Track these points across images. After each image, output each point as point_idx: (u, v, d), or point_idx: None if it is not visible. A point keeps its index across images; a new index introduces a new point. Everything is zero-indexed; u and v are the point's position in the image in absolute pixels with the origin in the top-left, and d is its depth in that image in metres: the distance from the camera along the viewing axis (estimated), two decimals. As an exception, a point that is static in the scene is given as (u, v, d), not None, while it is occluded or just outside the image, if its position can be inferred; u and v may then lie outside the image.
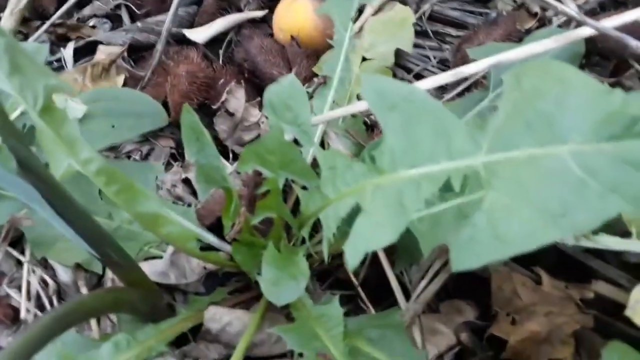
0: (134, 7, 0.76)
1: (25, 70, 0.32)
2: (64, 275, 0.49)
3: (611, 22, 0.37)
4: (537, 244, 0.24)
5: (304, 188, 0.45)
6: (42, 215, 0.32)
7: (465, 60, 0.61)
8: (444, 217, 0.39)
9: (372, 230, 0.31)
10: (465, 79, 0.61)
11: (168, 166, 0.63)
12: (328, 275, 0.52)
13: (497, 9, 0.70)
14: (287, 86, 0.42)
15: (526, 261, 0.44)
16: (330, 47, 0.68)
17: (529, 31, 0.64)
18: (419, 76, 0.69)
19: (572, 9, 0.37)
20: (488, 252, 0.25)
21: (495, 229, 0.25)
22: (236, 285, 0.52)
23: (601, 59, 0.48)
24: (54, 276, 0.49)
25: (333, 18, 0.56)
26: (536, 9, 0.66)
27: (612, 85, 0.46)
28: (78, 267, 0.50)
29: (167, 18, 0.66)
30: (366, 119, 0.57)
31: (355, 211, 0.37)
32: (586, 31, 0.38)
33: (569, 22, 0.59)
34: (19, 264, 0.52)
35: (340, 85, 0.55)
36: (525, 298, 0.41)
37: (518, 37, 0.61)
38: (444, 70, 0.69)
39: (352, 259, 0.31)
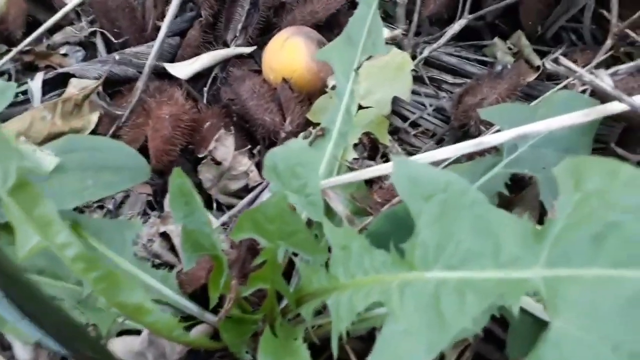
0: (110, 36, 0.70)
1: (-7, 146, 0.26)
2: (23, 353, 0.42)
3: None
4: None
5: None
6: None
7: (467, 113, 0.59)
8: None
9: (403, 342, 0.26)
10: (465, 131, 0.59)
11: (144, 216, 0.57)
12: (322, 349, 0.47)
13: (497, 58, 0.68)
14: (296, 151, 0.38)
15: None
16: (323, 90, 0.64)
17: (530, 86, 0.62)
18: (415, 125, 0.66)
19: (607, 84, 0.35)
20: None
21: (565, 367, 0.21)
22: (220, 362, 0.46)
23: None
24: (11, 357, 0.42)
25: (333, 65, 0.53)
26: (537, 62, 0.64)
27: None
28: (39, 345, 0.44)
29: (151, 53, 0.61)
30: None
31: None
32: (619, 107, 0.35)
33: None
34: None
35: (341, 138, 0.50)
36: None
37: (522, 92, 0.59)
38: (440, 120, 0.66)
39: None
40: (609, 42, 0.54)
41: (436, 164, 0.42)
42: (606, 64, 0.59)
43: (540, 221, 0.47)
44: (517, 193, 0.47)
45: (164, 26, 0.61)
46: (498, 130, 0.46)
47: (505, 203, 0.45)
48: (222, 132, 0.55)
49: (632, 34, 0.52)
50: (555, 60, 0.36)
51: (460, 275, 0.26)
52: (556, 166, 0.27)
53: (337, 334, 0.33)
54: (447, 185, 0.27)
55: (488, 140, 0.38)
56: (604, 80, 0.35)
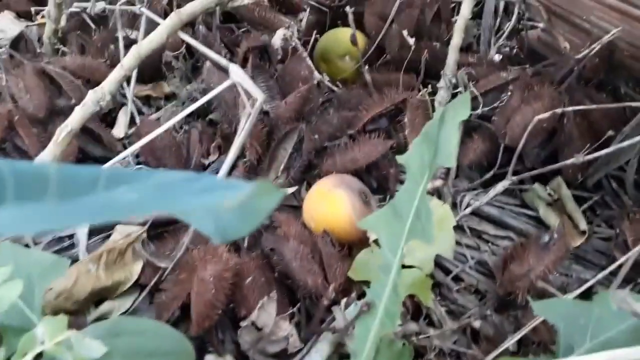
0: (155, 172, 0.71)
1: None
2: None
3: None
4: None
5: None
6: None
7: (513, 283, 0.58)
8: None
9: None
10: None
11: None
12: None
13: (540, 212, 0.68)
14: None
15: None
16: (364, 241, 0.64)
17: (577, 250, 0.61)
18: (457, 279, 0.65)
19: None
20: None
21: None
22: None
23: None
24: None
25: (378, 236, 0.53)
26: (583, 225, 0.63)
27: None
28: None
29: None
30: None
31: None
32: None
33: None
34: None
35: (387, 318, 0.50)
36: None
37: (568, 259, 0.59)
38: (483, 274, 0.65)
39: None
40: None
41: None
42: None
43: None
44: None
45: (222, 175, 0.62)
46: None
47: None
48: (265, 300, 0.54)
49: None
50: (621, 296, 0.35)
51: None
52: None
53: None
54: None
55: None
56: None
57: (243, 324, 0.54)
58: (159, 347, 0.44)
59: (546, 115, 0.61)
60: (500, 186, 0.63)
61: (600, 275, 0.54)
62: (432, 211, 0.48)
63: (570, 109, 0.64)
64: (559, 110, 0.62)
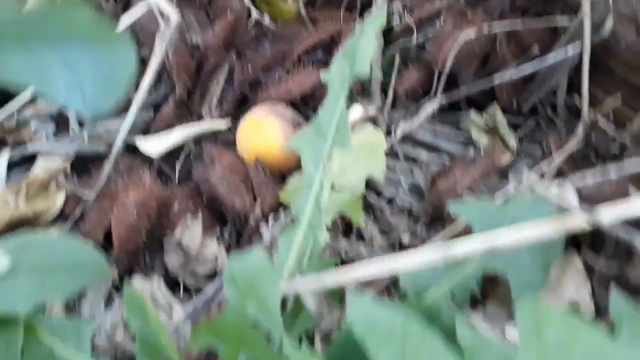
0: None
1: None
2: None
3: (614, 214, 0.34)
4: None
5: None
6: None
7: (440, 198, 0.58)
8: None
9: None
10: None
11: (109, 300, 0.55)
12: None
13: (472, 136, 0.68)
14: (253, 263, 0.37)
15: None
16: (299, 167, 0.63)
17: (505, 168, 0.61)
18: (391, 201, 0.65)
19: (572, 200, 0.34)
20: None
21: None
22: None
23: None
24: None
25: (302, 155, 0.52)
26: (513, 142, 0.64)
27: (617, 279, 0.43)
28: None
29: (122, 131, 0.60)
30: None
31: None
32: (584, 220, 0.34)
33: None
34: None
35: (310, 230, 0.49)
36: None
37: (496, 175, 0.59)
38: (416, 197, 0.66)
39: None
40: (580, 132, 0.55)
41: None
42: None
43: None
44: (491, 285, 0.46)
45: (136, 102, 0.60)
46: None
47: (480, 298, 0.44)
48: (188, 217, 0.53)
49: (604, 125, 0.52)
50: (521, 176, 0.35)
51: None
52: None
53: None
54: (405, 329, 0.26)
55: (456, 250, 0.37)
56: (570, 196, 0.35)
57: (167, 242, 0.53)
58: (70, 260, 0.43)
59: (472, 35, 0.61)
60: (430, 107, 0.63)
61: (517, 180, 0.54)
62: (348, 118, 0.47)
63: (498, 29, 0.64)
64: (486, 30, 0.62)
